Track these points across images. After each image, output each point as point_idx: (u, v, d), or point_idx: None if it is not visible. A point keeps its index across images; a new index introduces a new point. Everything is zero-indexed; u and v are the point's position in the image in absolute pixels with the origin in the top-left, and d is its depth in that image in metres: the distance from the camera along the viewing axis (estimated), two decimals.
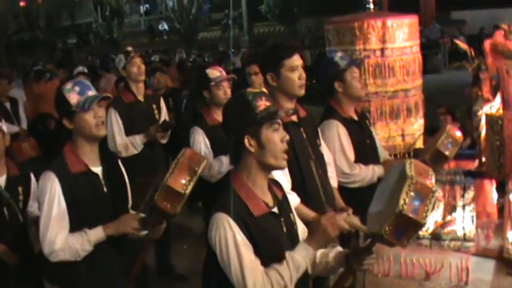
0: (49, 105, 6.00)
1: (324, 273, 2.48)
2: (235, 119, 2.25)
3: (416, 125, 4.54)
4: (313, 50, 16.83)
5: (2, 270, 3.20)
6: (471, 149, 4.65)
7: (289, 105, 3.16)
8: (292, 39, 23.36)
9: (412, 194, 2.05)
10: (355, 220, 2.31)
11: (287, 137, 2.27)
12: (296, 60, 3.15)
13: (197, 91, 4.60)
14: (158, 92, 6.07)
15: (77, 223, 2.77)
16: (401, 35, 4.40)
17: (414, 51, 4.54)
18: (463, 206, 3.34)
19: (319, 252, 2.37)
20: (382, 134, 4.35)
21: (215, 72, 4.19)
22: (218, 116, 3.96)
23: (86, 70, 9.71)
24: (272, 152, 2.22)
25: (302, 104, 3.38)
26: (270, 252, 2.21)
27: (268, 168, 2.27)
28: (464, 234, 3.31)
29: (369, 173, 3.63)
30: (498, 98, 3.69)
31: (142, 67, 4.96)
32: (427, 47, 15.23)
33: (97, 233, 2.77)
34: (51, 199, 2.75)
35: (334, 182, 3.47)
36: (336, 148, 3.58)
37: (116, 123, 4.72)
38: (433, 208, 2.62)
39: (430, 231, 3.35)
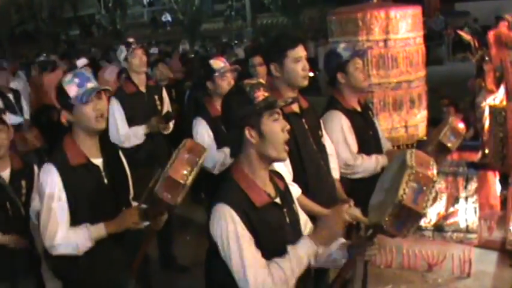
0: (52, 96, 5.99)
1: (326, 265, 2.48)
2: (235, 111, 2.25)
3: (420, 116, 4.53)
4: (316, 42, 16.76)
5: (0, 262, 3.17)
6: (474, 141, 4.64)
7: (292, 95, 3.15)
8: (296, 30, 23.31)
9: (412, 184, 2.03)
10: (357, 212, 2.30)
11: (288, 127, 2.26)
12: (300, 51, 3.14)
13: (200, 82, 4.59)
14: (160, 83, 6.07)
15: (78, 215, 2.76)
16: (404, 26, 4.39)
17: (417, 42, 4.52)
18: (466, 198, 3.34)
19: None
20: (385, 125, 4.34)
21: (219, 63, 4.17)
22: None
23: (87, 61, 9.67)
24: (273, 143, 2.21)
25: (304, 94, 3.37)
26: (272, 242, 2.20)
27: (269, 159, 2.26)
28: (467, 226, 3.30)
29: (372, 163, 3.60)
30: (502, 89, 3.68)
31: (144, 58, 4.97)
32: (431, 38, 15.15)
33: (99, 230, 2.75)
34: (51, 192, 2.72)
35: (336, 174, 3.45)
36: (338, 139, 3.56)
37: (119, 114, 4.72)
38: (434, 198, 2.61)
39: (432, 222, 3.34)
